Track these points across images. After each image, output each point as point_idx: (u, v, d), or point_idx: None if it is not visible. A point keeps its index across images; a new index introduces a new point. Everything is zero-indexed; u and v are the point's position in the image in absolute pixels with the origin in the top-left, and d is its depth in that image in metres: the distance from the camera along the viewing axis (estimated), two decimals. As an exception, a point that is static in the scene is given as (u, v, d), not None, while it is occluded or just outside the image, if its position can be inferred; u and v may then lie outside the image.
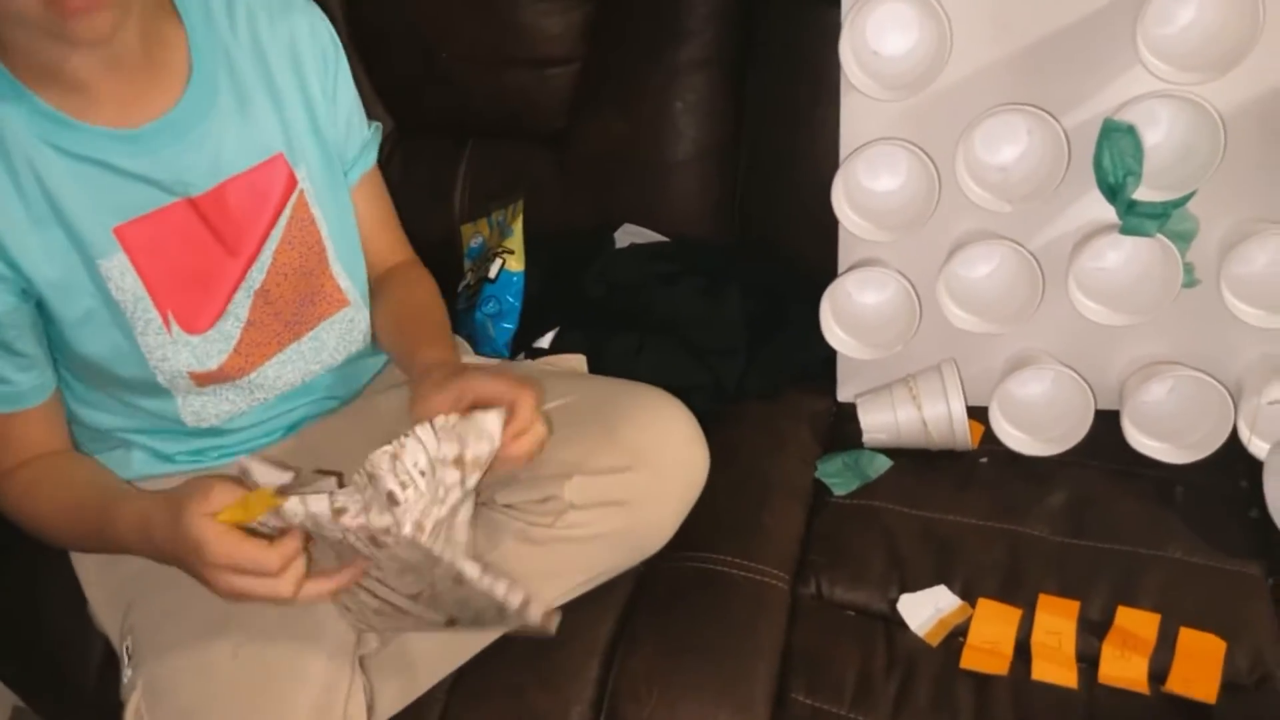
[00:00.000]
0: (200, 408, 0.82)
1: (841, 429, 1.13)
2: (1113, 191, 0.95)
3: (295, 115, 0.79)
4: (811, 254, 1.14)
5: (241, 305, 0.79)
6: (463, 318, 1.21)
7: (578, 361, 1.08)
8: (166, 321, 0.75)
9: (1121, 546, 0.96)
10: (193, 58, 0.74)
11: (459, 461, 0.71)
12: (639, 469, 0.89)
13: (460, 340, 1.07)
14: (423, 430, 0.69)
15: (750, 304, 1.18)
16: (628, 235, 1.29)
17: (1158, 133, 0.97)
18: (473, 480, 0.73)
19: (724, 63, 1.25)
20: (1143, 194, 0.94)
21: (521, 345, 1.17)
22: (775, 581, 0.96)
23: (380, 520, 0.66)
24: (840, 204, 1.02)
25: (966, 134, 0.97)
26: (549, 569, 0.89)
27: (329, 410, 0.94)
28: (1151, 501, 1.00)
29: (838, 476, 1.06)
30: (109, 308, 0.74)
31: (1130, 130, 0.93)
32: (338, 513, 0.66)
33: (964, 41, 0.96)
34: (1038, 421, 1.06)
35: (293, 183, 0.79)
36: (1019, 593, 0.93)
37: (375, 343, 0.93)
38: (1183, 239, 0.97)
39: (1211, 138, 0.91)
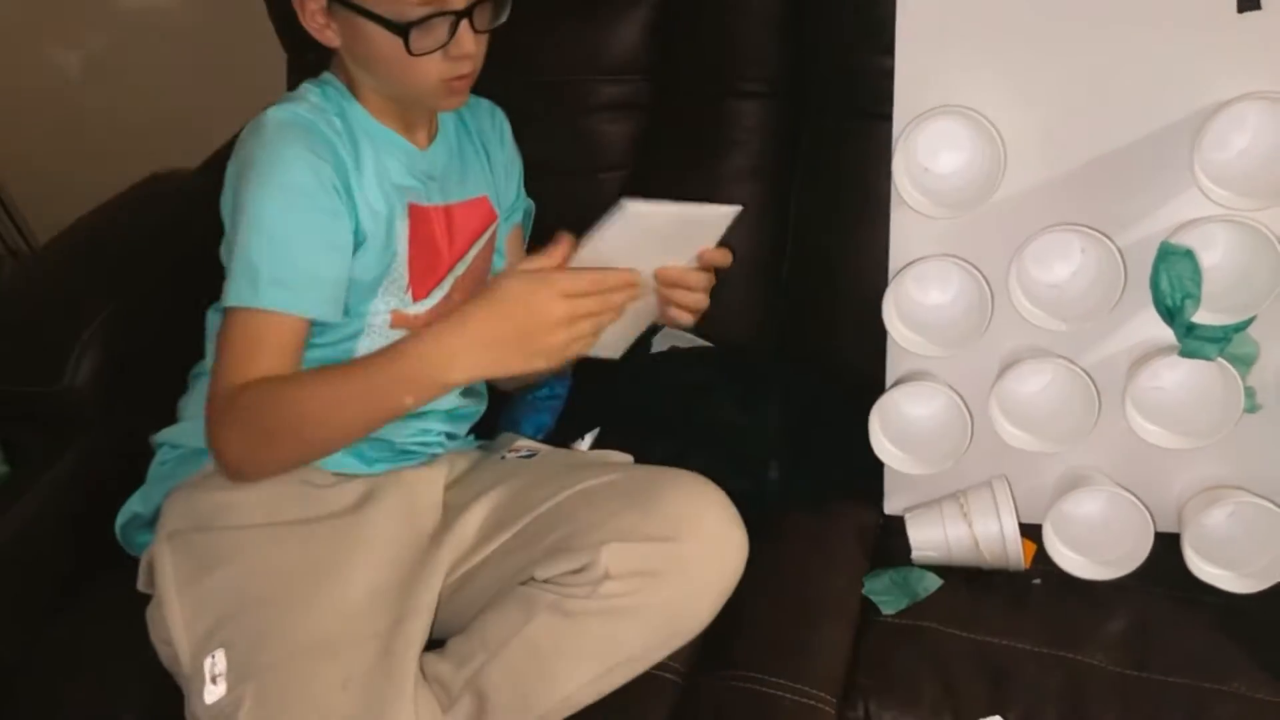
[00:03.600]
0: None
1: (889, 543, 1.10)
2: (1170, 314, 0.94)
3: (495, 177, 1.13)
4: (857, 362, 1.12)
5: (447, 283, 1.04)
6: (513, 402, 1.23)
7: (624, 459, 1.09)
8: (408, 280, 1.01)
9: (1184, 680, 0.92)
10: (436, 133, 1.07)
11: None
12: (677, 540, 0.92)
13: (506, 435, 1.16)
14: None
15: (791, 412, 1.16)
16: (667, 339, 1.29)
17: (1215, 254, 0.96)
18: None
19: (769, 173, 1.27)
20: (1202, 317, 0.93)
21: (561, 445, 1.17)
22: (822, 705, 0.93)
23: None
24: (892, 319, 1.02)
25: (1019, 252, 0.97)
26: (580, 647, 0.89)
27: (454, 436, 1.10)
28: (1215, 631, 0.97)
29: (886, 594, 1.03)
30: (389, 249, 0.99)
31: (1188, 254, 0.92)
32: None
33: (1016, 160, 0.97)
34: (1094, 543, 1.03)
35: (493, 217, 1.10)
36: (1080, 728, 0.90)
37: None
38: (1243, 363, 0.95)
39: (1271, 263, 0.90)
